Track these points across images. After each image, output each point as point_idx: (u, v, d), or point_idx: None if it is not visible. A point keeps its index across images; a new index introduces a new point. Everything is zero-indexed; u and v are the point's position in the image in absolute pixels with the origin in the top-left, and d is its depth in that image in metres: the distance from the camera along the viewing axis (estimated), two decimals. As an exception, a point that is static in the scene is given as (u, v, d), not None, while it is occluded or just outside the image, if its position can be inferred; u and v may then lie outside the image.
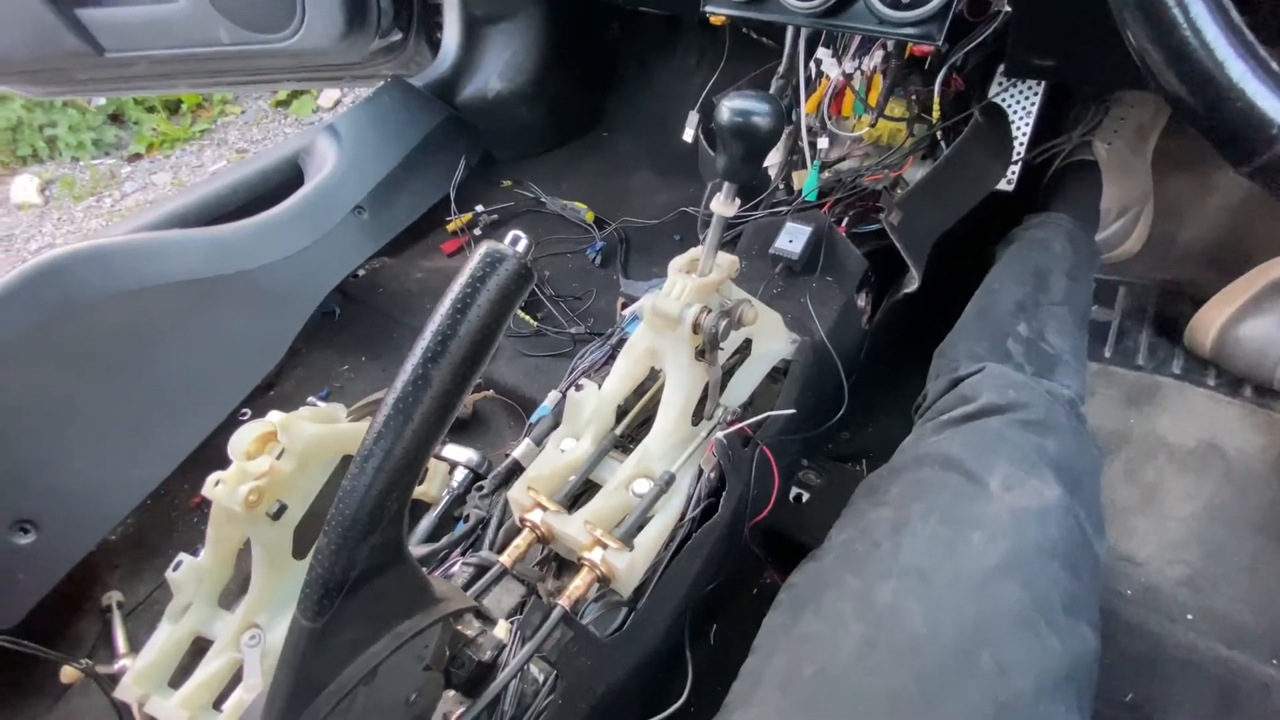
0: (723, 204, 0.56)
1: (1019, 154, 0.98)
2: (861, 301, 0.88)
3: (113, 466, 0.83)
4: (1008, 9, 0.63)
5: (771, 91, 0.80)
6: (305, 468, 0.72)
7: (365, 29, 1.28)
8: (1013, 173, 1.00)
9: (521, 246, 0.35)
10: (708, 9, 0.63)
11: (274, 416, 0.73)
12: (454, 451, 0.83)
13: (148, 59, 1.36)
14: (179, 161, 2.70)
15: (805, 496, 0.75)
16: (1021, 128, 0.99)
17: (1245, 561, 0.65)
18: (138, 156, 2.73)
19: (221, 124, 2.83)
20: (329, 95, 2.72)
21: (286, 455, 0.73)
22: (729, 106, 0.49)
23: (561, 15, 1.28)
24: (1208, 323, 0.81)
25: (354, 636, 0.36)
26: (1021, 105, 0.99)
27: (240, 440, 0.71)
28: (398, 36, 1.37)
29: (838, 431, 0.85)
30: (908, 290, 0.84)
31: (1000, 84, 0.95)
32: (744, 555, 0.70)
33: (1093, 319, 0.93)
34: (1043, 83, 0.95)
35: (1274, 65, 0.26)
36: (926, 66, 0.75)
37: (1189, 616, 0.62)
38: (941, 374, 0.69)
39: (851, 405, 0.85)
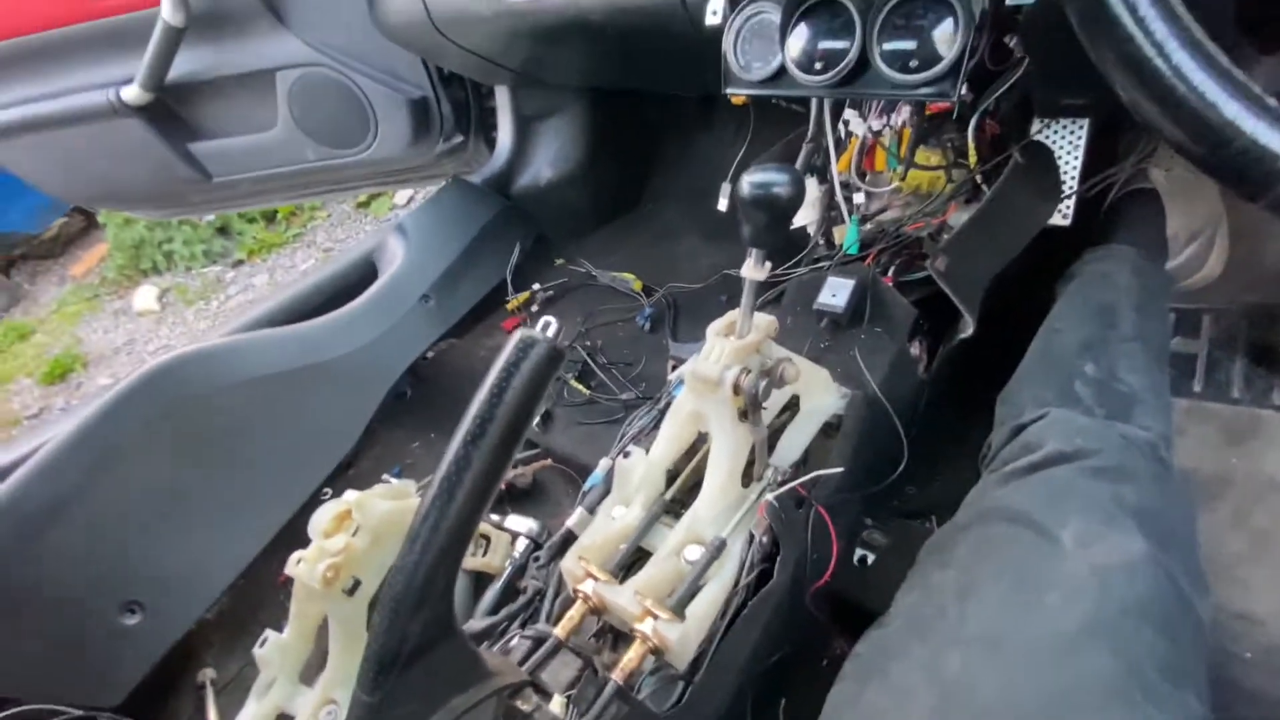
0: (753, 269, 0.58)
1: (1071, 188, 0.95)
2: (916, 350, 0.86)
3: (211, 548, 0.90)
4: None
5: (802, 155, 0.82)
6: (379, 543, 0.76)
7: (430, 136, 1.43)
8: (1067, 207, 0.96)
9: (551, 331, 0.37)
10: (728, 91, 0.67)
11: (350, 495, 0.78)
12: (515, 522, 0.86)
13: (248, 180, 1.56)
14: (275, 264, 3.00)
15: (870, 558, 0.72)
16: (1071, 161, 0.96)
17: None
18: (240, 262, 3.05)
19: (311, 228, 3.14)
20: (403, 194, 2.98)
21: (361, 532, 0.77)
22: (749, 180, 0.52)
23: (604, 106, 1.38)
24: (1309, 348, 0.74)
25: (410, 711, 0.37)
26: (1067, 139, 0.96)
27: (319, 519, 0.76)
28: (459, 139, 1.51)
29: (902, 487, 0.82)
30: (963, 336, 0.82)
31: (1042, 120, 0.94)
32: (809, 624, 0.68)
33: (1178, 351, 0.87)
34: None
35: (1269, 100, 0.25)
36: (955, 116, 0.76)
37: (1326, 683, 0.54)
38: (1005, 422, 0.66)
39: (916, 458, 0.82)
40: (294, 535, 0.91)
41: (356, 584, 0.74)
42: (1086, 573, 0.46)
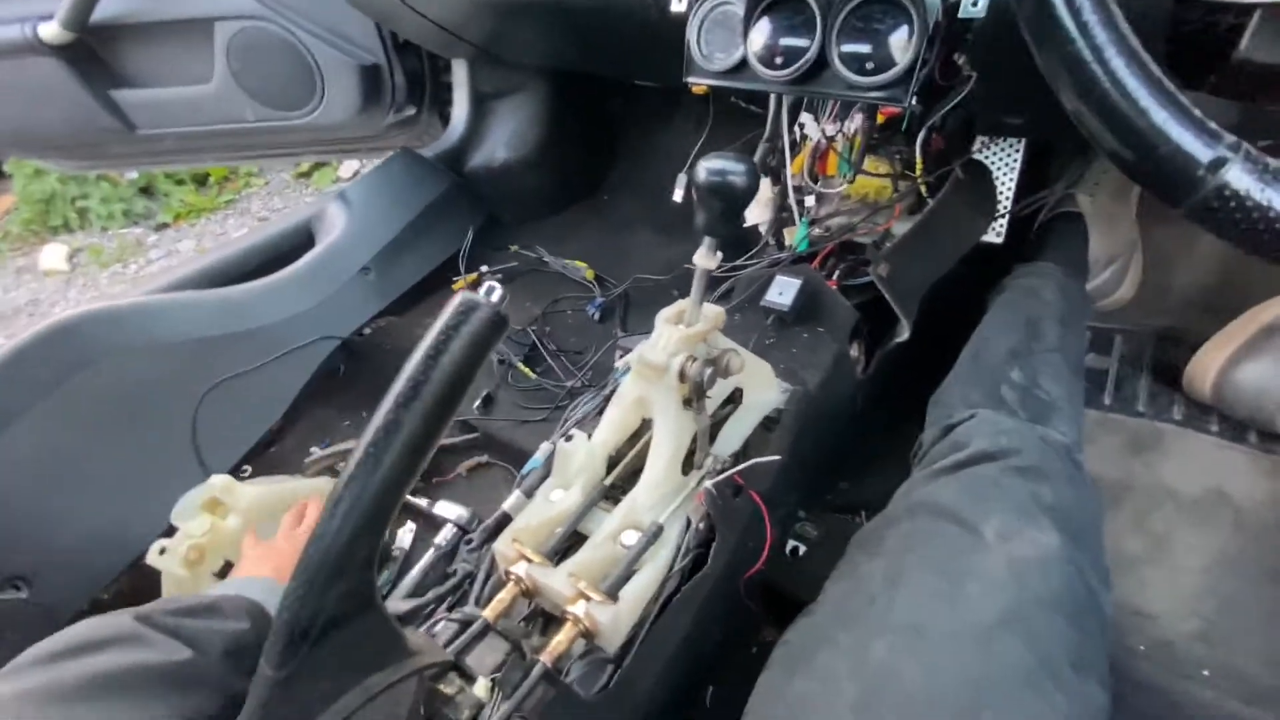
0: (704, 257, 0.58)
1: (1005, 207, 1.00)
2: (855, 351, 0.88)
3: (110, 524, 0.83)
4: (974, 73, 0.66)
5: (758, 153, 0.83)
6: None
7: (380, 105, 1.37)
8: (1001, 225, 1.02)
9: (496, 296, 0.36)
10: (689, 80, 0.67)
11: (215, 480, 0.75)
12: (445, 508, 0.83)
13: (176, 135, 1.46)
14: (203, 230, 2.82)
15: (802, 549, 0.73)
16: (1006, 182, 1.02)
17: (1261, 613, 0.62)
18: (165, 226, 2.86)
19: (246, 194, 2.97)
20: (349, 167, 2.86)
21: (231, 515, 0.74)
22: (706, 167, 0.52)
23: (565, 90, 1.36)
24: (1205, 368, 0.80)
25: (322, 688, 0.35)
26: (1004, 160, 1.02)
27: (182, 507, 0.73)
28: (411, 111, 1.45)
29: (836, 482, 0.84)
30: (899, 340, 0.85)
31: (982, 140, 0.98)
32: (741, 612, 0.68)
33: (1091, 367, 0.93)
34: (1023, 139, 0.98)
35: (1194, 110, 0.27)
36: (904, 128, 0.78)
37: (1205, 673, 0.59)
38: (936, 421, 0.69)
39: (850, 455, 0.84)
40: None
41: (228, 566, 0.72)
42: (1004, 566, 0.48)
